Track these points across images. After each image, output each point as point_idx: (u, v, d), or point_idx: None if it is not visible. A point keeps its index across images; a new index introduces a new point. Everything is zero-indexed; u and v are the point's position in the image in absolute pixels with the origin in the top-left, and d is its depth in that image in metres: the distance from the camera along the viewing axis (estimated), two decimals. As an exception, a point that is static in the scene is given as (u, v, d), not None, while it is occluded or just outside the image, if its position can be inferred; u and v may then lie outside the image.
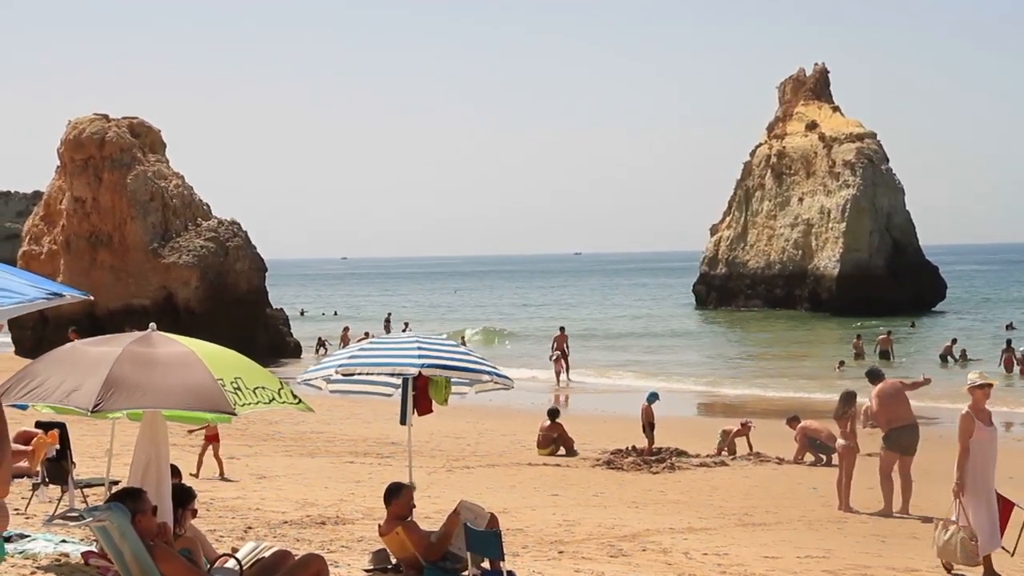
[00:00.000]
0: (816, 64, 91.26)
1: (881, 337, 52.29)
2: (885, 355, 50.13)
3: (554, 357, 43.68)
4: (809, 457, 23.02)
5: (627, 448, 23.47)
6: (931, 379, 19.61)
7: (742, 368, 48.50)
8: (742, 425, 24.62)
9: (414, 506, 11.15)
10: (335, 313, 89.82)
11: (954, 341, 51.82)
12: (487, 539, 10.68)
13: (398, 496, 10.86)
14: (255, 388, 8.77)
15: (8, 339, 51.03)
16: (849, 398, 18.40)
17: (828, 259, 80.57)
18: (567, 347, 44.14)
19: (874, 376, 18.23)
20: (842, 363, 45.45)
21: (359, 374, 12.06)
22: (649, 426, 24.26)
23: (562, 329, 46.11)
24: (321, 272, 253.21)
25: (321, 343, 55.54)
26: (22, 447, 7.12)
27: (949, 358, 49.26)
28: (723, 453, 23.73)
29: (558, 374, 42.92)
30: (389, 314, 71.60)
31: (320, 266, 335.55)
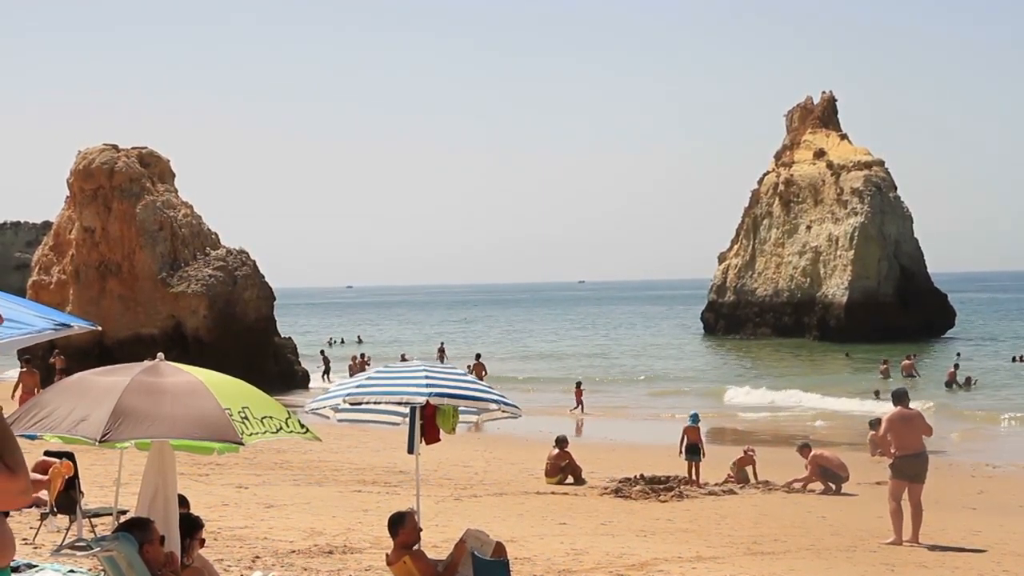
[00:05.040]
0: (824, 92, 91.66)
1: (905, 362, 52.66)
2: (911, 379, 50.59)
3: None
4: (819, 485, 22.96)
5: (635, 476, 23.41)
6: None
7: (752, 395, 48.28)
8: (745, 453, 24.53)
9: (420, 529, 11.12)
10: (358, 340, 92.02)
11: (956, 367, 51.99)
12: (495, 568, 10.66)
13: (403, 524, 10.84)
14: (262, 417, 8.79)
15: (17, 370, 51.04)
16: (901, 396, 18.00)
17: (836, 287, 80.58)
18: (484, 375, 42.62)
19: (899, 398, 17.78)
20: (877, 393, 43.53)
21: (367, 403, 12.06)
22: (693, 449, 24.15)
23: (478, 356, 45.46)
24: (328, 301, 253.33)
25: (325, 361, 56.15)
26: (39, 476, 7.15)
27: (954, 384, 49.39)
28: (733, 482, 23.62)
29: None
30: (442, 343, 70.68)
31: (326, 295, 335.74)
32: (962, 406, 43.04)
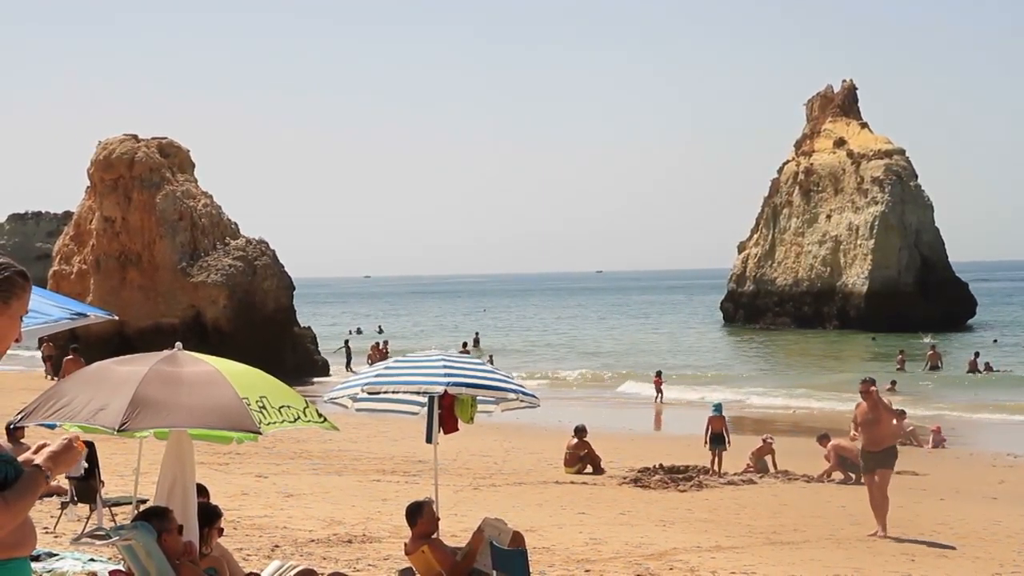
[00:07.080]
0: (844, 81, 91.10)
1: (930, 353, 52.94)
2: (936, 369, 50.93)
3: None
4: (838, 475, 22.89)
5: (654, 466, 23.39)
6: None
7: (772, 386, 48.18)
8: (763, 442, 24.51)
9: (439, 519, 11.13)
10: (379, 330, 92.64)
11: (977, 354, 52.13)
12: (513, 558, 10.65)
13: (421, 514, 10.85)
14: (280, 407, 8.79)
15: (38, 354, 51.25)
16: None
17: (857, 276, 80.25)
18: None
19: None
20: (894, 383, 42.05)
21: (385, 392, 12.07)
22: (717, 438, 24.12)
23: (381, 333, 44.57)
24: (346, 291, 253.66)
25: (347, 348, 56.43)
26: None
27: (977, 372, 49.81)
28: (752, 471, 23.59)
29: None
30: (477, 334, 70.12)
31: (343, 284, 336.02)
32: (983, 396, 42.85)
